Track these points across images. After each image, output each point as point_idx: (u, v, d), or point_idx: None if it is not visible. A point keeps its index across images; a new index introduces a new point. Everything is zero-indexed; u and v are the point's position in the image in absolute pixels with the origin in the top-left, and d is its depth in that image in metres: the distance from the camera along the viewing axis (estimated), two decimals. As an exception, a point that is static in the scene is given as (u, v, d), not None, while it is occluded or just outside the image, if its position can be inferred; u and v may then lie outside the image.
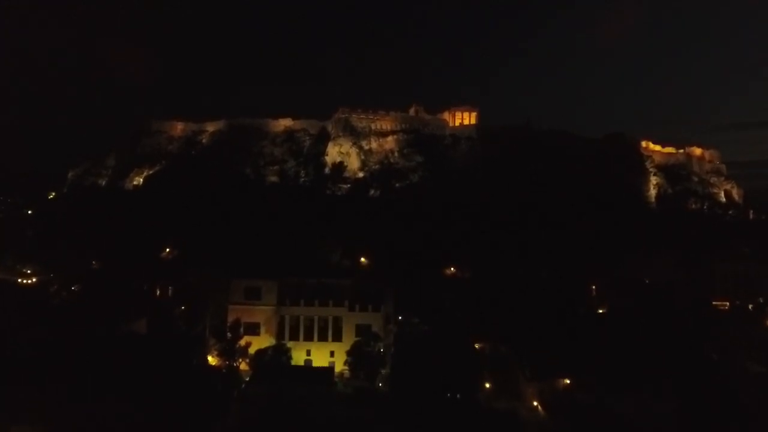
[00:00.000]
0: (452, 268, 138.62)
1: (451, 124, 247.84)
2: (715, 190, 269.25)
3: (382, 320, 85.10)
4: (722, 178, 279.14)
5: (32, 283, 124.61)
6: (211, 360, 79.37)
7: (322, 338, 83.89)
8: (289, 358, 77.56)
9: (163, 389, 61.13)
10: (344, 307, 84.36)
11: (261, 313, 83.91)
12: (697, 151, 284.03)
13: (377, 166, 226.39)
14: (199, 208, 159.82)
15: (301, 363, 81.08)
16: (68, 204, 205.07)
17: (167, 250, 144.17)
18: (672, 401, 68.30)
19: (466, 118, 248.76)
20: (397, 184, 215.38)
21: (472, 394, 72.65)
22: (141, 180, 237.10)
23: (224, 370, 74.98)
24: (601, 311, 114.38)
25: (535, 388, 74.57)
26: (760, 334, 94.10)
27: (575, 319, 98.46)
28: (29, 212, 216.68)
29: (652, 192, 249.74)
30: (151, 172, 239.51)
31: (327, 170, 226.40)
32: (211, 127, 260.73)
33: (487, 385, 77.24)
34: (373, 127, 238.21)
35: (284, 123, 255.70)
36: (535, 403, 72.23)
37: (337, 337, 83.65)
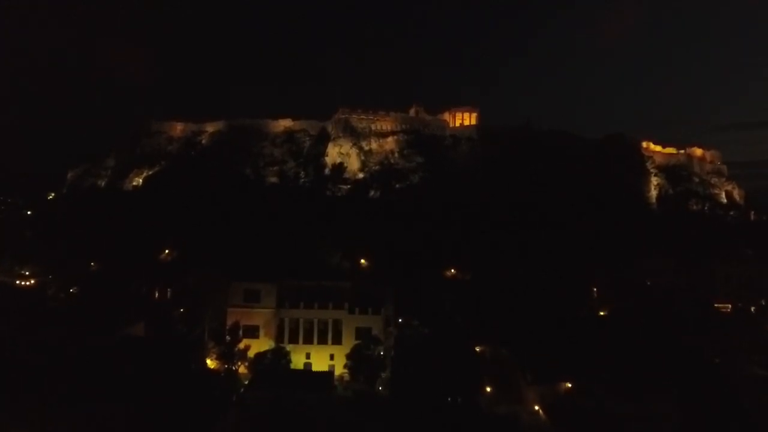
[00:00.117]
0: (452, 270, 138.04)
1: (451, 125, 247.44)
2: (716, 191, 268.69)
3: (382, 323, 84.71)
4: (723, 179, 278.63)
5: (30, 285, 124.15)
6: (210, 363, 78.88)
7: (322, 341, 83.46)
8: (289, 361, 77.08)
9: (161, 393, 60.63)
10: (344, 310, 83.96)
11: (260, 316, 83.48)
12: (698, 151, 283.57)
13: (377, 167, 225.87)
14: (198, 209, 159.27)
15: (301, 366, 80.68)
16: (67, 205, 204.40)
17: (166, 251, 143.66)
18: (674, 405, 67.88)
19: (466, 119, 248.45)
20: (397, 185, 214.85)
21: (472, 398, 72.05)
22: (140, 181, 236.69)
23: (223, 374, 74.50)
24: (602, 313, 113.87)
25: (536, 392, 73.96)
26: (763, 337, 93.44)
27: (577, 322, 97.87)
28: (28, 213, 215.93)
29: (653, 193, 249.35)
30: (150, 172, 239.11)
31: (327, 171, 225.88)
32: (210, 128, 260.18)
33: (488, 389, 76.64)
34: (373, 127, 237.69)
35: (284, 123, 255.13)
36: (537, 408, 71.62)
37: (337, 340, 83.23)
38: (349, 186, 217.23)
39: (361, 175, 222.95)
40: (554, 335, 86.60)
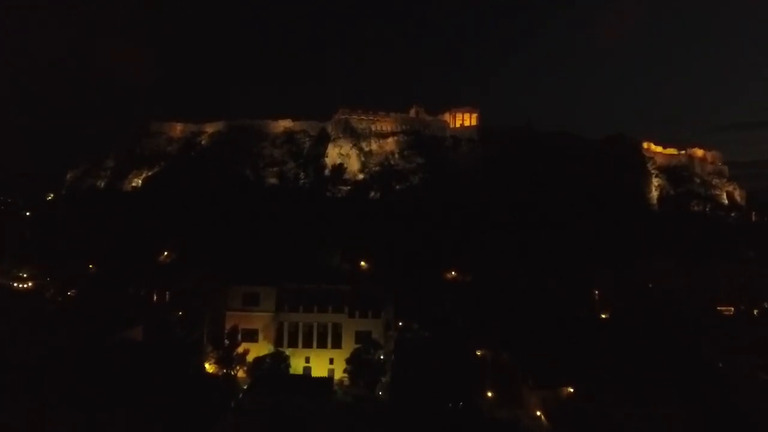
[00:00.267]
0: (453, 272, 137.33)
1: (451, 126, 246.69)
2: (717, 192, 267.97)
3: (382, 326, 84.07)
4: (724, 180, 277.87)
5: (28, 288, 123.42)
6: (209, 367, 78.19)
7: (322, 345, 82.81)
8: (288, 366, 76.39)
9: (159, 397, 59.96)
10: (344, 314, 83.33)
11: (259, 319, 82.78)
12: (699, 152, 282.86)
13: (377, 168, 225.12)
14: (198, 211, 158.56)
15: (300, 370, 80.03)
16: (66, 206, 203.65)
17: (165, 253, 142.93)
18: (677, 410, 67.25)
19: (466, 120, 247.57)
20: (397, 186, 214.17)
21: (473, 402, 71.46)
22: (140, 181, 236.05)
23: (221, 379, 73.82)
24: (603, 315, 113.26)
25: (538, 396, 73.34)
26: (765, 340, 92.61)
27: (578, 324, 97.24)
28: (27, 214, 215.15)
29: (654, 194, 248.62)
30: (150, 173, 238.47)
31: (327, 172, 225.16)
32: (210, 128, 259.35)
33: (489, 394, 75.97)
34: (373, 128, 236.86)
35: (284, 124, 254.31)
36: (539, 413, 70.98)
37: (337, 344, 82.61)
38: (349, 187, 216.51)
39: (361, 176, 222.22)
40: (556, 338, 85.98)
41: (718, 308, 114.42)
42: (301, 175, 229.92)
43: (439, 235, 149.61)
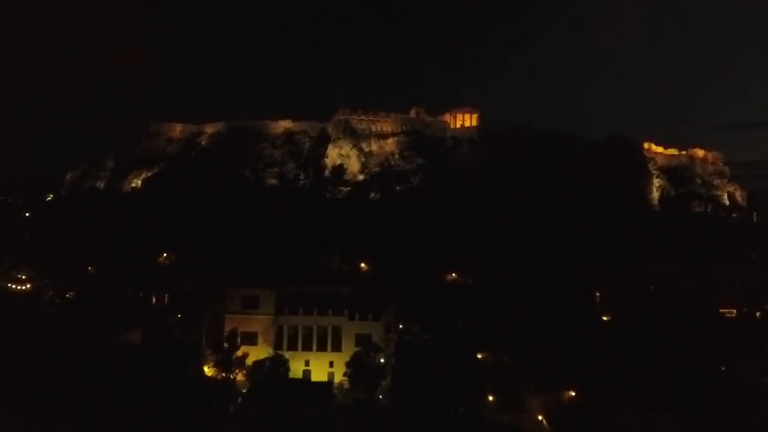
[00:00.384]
0: (453, 274, 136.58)
1: (452, 126, 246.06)
2: (719, 193, 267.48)
3: (382, 329, 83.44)
4: (725, 181, 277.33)
5: (26, 290, 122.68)
6: (207, 371, 77.52)
7: (321, 348, 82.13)
8: (287, 369, 75.77)
9: (158, 402, 59.37)
10: (344, 317, 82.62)
11: (258, 322, 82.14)
12: (700, 152, 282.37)
13: (378, 169, 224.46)
14: (197, 212, 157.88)
15: (300, 374, 79.40)
16: (66, 207, 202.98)
17: (164, 254, 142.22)
18: (680, 414, 66.66)
19: (467, 120, 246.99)
20: (397, 187, 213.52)
21: (474, 406, 70.84)
22: (139, 182, 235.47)
23: (220, 382, 73.18)
24: (605, 318, 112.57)
25: (539, 400, 72.85)
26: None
27: (580, 327, 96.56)
28: (27, 214, 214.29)
29: (655, 195, 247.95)
30: (149, 174, 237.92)
31: (327, 173, 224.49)
32: (210, 129, 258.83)
33: (490, 398, 75.35)
34: (373, 128, 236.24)
35: (284, 125, 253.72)
36: (540, 417, 70.39)
37: (337, 347, 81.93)
38: (349, 188, 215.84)
39: (361, 177, 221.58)
40: (557, 341, 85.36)
41: (720, 310, 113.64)
42: (301, 175, 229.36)
43: (440, 237, 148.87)
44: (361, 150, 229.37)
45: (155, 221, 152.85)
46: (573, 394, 72.47)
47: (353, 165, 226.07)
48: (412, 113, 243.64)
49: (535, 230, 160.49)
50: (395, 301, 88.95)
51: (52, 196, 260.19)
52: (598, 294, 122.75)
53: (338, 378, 78.59)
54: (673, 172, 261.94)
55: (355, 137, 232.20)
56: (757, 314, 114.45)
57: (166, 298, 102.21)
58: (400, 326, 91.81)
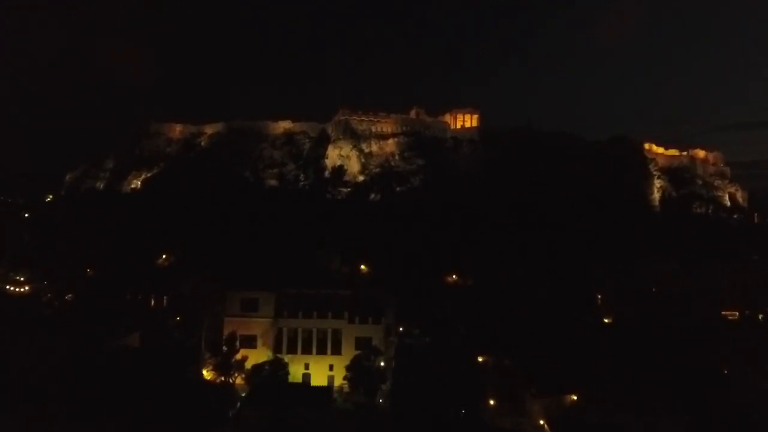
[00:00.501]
0: (454, 275, 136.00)
1: (452, 127, 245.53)
2: (720, 194, 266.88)
3: (382, 332, 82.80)
4: (726, 181, 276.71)
5: (24, 292, 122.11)
6: (206, 374, 76.95)
7: (321, 351, 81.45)
8: (287, 373, 75.18)
9: (156, 406, 58.83)
10: (344, 320, 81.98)
11: (258, 325, 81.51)
12: (701, 153, 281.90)
13: (378, 170, 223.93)
14: (196, 213, 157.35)
15: (299, 377, 78.83)
16: (65, 207, 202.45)
17: (164, 256, 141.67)
18: (682, 417, 66.14)
19: (467, 121, 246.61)
20: (398, 188, 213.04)
21: (475, 410, 70.26)
22: (139, 183, 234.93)
23: (219, 386, 72.59)
24: (606, 320, 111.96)
25: (540, 404, 72.17)
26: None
27: (582, 330, 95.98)
28: (26, 215, 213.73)
29: (656, 195, 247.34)
30: (149, 174, 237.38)
31: (327, 174, 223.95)
32: (209, 129, 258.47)
33: (491, 401, 74.70)
34: (373, 129, 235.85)
35: (284, 125, 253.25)
36: (542, 422, 69.76)
37: (337, 350, 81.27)
38: (349, 189, 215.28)
39: (361, 178, 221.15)
40: (559, 344, 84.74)
41: (722, 312, 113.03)
42: (301, 176, 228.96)
43: (440, 238, 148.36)
44: (361, 151, 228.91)
45: (154, 222, 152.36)
46: (574, 397, 71.81)
47: (353, 166, 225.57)
48: (413, 114, 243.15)
49: (536, 231, 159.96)
50: (395, 303, 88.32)
51: (51, 196, 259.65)
52: (599, 296, 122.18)
53: (338, 381, 77.96)
54: (674, 173, 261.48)
55: (355, 138, 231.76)
56: (759, 316, 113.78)
57: (165, 300, 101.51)
58: (401, 329, 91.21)
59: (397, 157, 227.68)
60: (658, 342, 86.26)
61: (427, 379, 70.66)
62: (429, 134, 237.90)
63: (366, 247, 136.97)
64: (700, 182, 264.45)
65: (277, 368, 74.45)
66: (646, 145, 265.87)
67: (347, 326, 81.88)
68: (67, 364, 65.00)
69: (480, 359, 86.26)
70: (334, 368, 79.90)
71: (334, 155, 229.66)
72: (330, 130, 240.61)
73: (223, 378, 74.51)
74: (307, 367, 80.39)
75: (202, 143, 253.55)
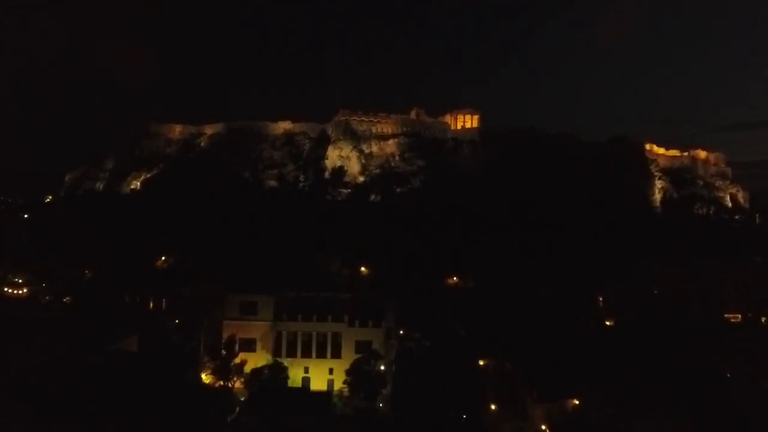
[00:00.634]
0: (455, 278, 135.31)
1: (453, 127, 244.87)
2: (721, 194, 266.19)
3: (382, 335, 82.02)
4: (727, 182, 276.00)
5: (22, 294, 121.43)
6: (205, 378, 76.24)
7: (321, 355, 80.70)
8: (286, 377, 74.45)
9: (154, 411, 58.22)
10: (344, 323, 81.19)
11: (257, 328, 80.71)
12: (702, 153, 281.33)
13: (378, 171, 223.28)
14: (196, 215, 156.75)
15: (299, 381, 78.08)
16: (64, 208, 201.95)
17: (163, 258, 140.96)
18: (685, 421, 65.49)
19: (468, 121, 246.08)
20: (398, 189, 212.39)
21: (476, 415, 69.65)
22: (138, 184, 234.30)
23: (218, 390, 71.91)
24: (608, 323, 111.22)
25: (542, 409, 71.38)
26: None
27: (584, 333, 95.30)
28: (25, 216, 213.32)
29: (657, 196, 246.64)
30: (148, 175, 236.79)
31: (327, 175, 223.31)
32: (209, 130, 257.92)
33: (492, 406, 74.04)
34: (373, 130, 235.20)
35: (284, 126, 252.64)
36: (543, 427, 69.05)
37: (336, 354, 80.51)
38: (349, 190, 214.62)
39: (361, 179, 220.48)
40: (561, 347, 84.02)
41: (725, 315, 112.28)
42: (301, 177, 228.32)
43: (441, 239, 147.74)
44: (361, 151, 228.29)
45: (154, 224, 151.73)
46: (576, 402, 71.09)
47: (353, 167, 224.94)
48: (413, 114, 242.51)
49: (537, 232, 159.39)
50: (396, 306, 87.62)
51: (51, 197, 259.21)
52: (600, 298, 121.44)
53: (338, 385, 77.24)
54: (675, 174, 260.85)
55: (356, 138, 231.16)
56: (762, 319, 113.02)
57: (163, 303, 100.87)
58: (401, 332, 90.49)
59: (397, 158, 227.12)
60: (660, 345, 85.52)
61: (427, 383, 70.12)
62: (429, 135, 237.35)
63: (366, 248, 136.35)
64: (701, 183, 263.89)
65: (276, 372, 73.72)
66: (647, 146, 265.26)
67: (347, 329, 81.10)
68: (65, 368, 64.42)
69: (481, 362, 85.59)
70: (334, 372, 79.17)
71: (334, 156, 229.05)
72: (330, 130, 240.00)
73: (222, 382, 73.75)
74: (306, 370, 79.66)
75: (202, 144, 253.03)
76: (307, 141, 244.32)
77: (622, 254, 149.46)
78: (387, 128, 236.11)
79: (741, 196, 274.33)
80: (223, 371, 74.33)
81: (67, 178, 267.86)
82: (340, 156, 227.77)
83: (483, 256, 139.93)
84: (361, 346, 79.63)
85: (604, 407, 67.29)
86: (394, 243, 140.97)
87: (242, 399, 70.44)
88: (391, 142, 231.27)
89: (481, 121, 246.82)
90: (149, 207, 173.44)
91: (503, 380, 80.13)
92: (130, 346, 79.34)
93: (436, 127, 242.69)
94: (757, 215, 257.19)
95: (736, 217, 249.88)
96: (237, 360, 76.01)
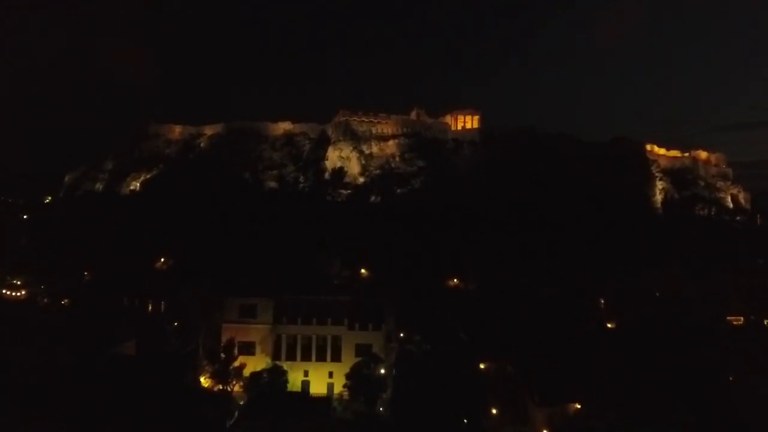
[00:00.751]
0: (456, 279, 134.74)
1: (453, 128, 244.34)
2: (722, 195, 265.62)
3: (383, 339, 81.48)
4: (729, 183, 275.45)
5: (21, 296, 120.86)
6: (204, 382, 75.68)
7: (321, 358, 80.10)
8: (286, 381, 73.88)
9: (152, 415, 57.71)
10: (343, 326, 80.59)
11: (256, 332, 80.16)
12: (703, 154, 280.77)
13: (378, 171, 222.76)
14: (195, 216, 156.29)
15: (298, 385, 77.58)
16: (63, 209, 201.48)
17: (162, 260, 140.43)
18: (688, 426, 64.97)
19: (468, 122, 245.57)
20: (398, 190, 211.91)
21: (477, 419, 69.08)
22: (138, 184, 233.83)
23: (217, 395, 71.36)
24: (609, 325, 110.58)
25: (544, 413, 70.82)
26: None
27: (586, 336, 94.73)
28: (25, 217, 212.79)
29: (658, 197, 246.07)
30: (148, 176, 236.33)
31: (327, 175, 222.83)
32: (209, 131, 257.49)
33: (494, 410, 73.46)
34: (373, 130, 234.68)
35: (284, 126, 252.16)
36: (545, 431, 68.51)
37: (336, 357, 79.94)
38: (349, 191, 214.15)
39: (361, 180, 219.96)
40: (562, 350, 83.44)
41: (728, 318, 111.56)
42: (301, 178, 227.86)
43: (441, 240, 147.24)
44: (361, 152, 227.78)
45: (153, 225, 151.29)
46: (578, 406, 70.53)
47: (353, 167, 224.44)
48: (413, 115, 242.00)
49: (537, 233, 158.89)
50: (396, 309, 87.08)
51: (50, 197, 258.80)
52: (601, 300, 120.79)
53: (338, 389, 76.69)
54: (676, 175, 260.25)
55: (356, 139, 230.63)
56: (765, 322, 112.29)
57: (162, 306, 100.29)
58: (401, 335, 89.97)
59: (397, 159, 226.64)
60: (663, 348, 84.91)
61: (428, 387, 69.52)
62: (429, 135, 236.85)
63: (366, 249, 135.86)
64: (702, 184, 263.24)
65: (275, 376, 73.11)
66: (648, 147, 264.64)
67: (347, 333, 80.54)
68: (63, 371, 63.95)
69: (482, 366, 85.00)
70: (334, 375, 78.62)
71: (334, 157, 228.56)
72: (330, 131, 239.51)
73: (221, 386, 73.18)
74: (306, 374, 79.12)
75: (202, 144, 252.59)
76: (307, 141, 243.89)
77: (622, 255, 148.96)
78: (387, 129, 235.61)
79: (742, 197, 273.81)
80: (222, 375, 73.74)
81: (66, 178, 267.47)
82: (340, 157, 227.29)
83: (483, 257, 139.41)
84: (361, 350, 79.03)
85: (606, 412, 66.77)
86: (394, 244, 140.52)
87: (241, 403, 69.91)
88: (391, 142, 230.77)
89: (481, 121, 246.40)
90: (149, 208, 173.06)
91: (504, 384, 79.56)
92: (129, 349, 78.89)
93: (436, 127, 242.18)
94: (759, 216, 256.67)
95: (738, 218, 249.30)
96: (236, 363, 75.38)
